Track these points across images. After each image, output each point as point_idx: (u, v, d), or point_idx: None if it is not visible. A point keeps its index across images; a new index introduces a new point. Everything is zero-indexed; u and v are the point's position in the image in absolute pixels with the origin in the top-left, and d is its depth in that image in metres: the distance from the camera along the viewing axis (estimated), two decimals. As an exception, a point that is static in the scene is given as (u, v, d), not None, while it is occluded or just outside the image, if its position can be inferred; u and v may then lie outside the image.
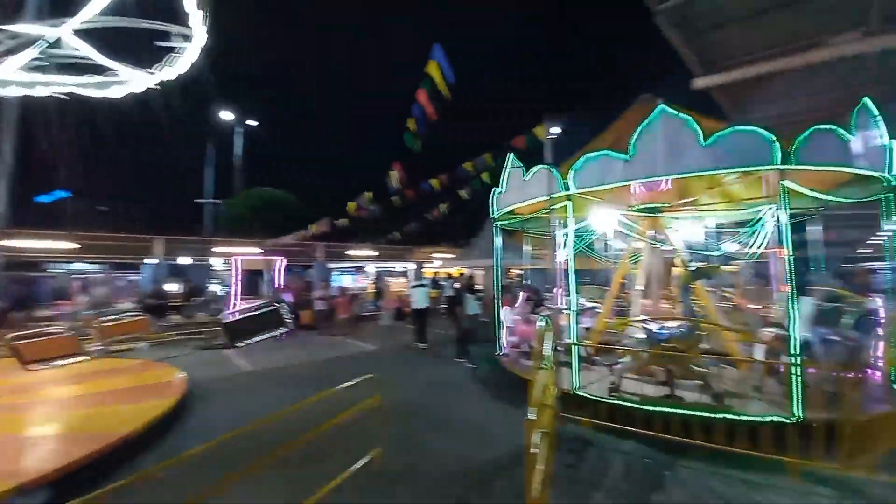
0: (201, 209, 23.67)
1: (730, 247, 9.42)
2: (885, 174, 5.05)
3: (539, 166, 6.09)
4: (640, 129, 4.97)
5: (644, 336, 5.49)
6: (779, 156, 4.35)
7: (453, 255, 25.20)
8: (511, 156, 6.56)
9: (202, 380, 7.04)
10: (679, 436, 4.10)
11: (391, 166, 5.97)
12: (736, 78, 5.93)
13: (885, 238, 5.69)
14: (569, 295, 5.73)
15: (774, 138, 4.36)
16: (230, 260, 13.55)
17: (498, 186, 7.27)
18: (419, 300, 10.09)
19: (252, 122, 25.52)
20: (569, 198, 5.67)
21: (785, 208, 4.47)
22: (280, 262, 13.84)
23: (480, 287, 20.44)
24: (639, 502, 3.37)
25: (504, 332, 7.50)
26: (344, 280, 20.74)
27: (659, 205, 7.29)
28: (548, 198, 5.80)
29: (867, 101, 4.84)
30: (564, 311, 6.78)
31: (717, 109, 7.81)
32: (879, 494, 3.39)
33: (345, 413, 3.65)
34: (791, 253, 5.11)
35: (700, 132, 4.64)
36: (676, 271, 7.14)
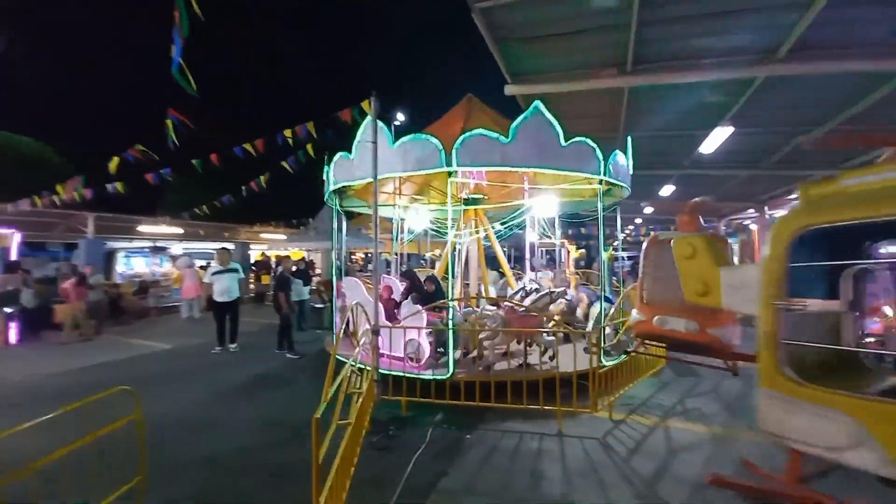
0: None
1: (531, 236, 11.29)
2: (626, 186, 6.73)
3: (411, 136, 5.57)
4: (519, 119, 5.33)
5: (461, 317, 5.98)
6: (601, 166, 5.33)
7: (285, 237, 22.94)
8: (365, 122, 5.88)
9: None
10: (484, 401, 4.59)
11: (166, 118, 4.55)
12: (533, 91, 6.83)
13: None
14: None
15: (601, 155, 5.47)
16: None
17: (328, 162, 6.72)
18: (225, 290, 7.84)
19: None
20: (451, 174, 5.50)
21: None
22: (12, 237, 9.93)
23: (318, 271, 19.28)
24: (439, 469, 3.58)
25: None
26: (136, 263, 16.45)
27: (480, 196, 8.04)
28: (429, 171, 5.60)
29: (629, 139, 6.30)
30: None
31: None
32: (613, 429, 4.48)
33: (94, 434, 2.71)
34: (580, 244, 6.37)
35: (562, 133, 5.34)
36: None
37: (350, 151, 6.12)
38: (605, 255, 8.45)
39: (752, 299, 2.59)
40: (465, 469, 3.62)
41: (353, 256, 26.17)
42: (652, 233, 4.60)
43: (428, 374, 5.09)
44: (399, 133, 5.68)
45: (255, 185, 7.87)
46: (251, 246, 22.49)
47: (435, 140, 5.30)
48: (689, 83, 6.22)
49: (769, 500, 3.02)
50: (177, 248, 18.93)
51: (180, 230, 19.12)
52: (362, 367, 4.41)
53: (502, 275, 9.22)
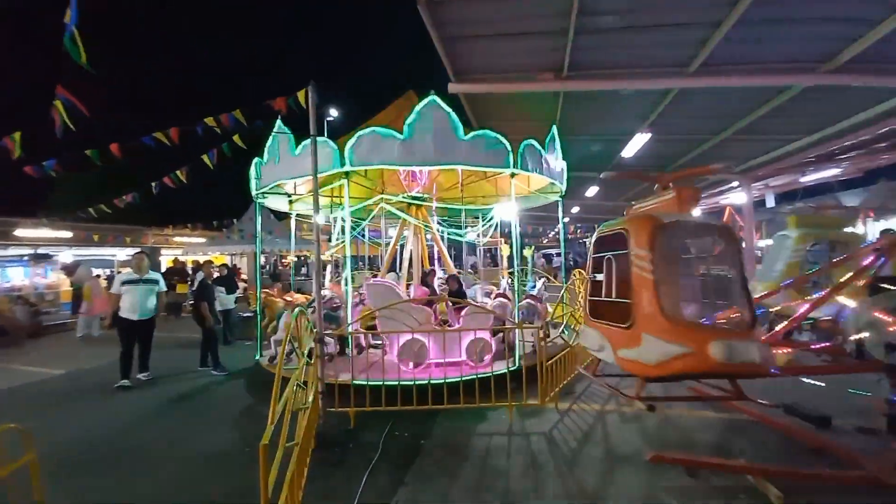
0: None
1: (471, 235, 11.47)
2: (561, 185, 7.03)
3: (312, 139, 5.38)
4: (413, 114, 5.11)
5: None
6: (511, 160, 5.31)
7: (204, 240, 20.81)
8: (279, 120, 5.51)
9: None
10: (435, 404, 4.47)
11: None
12: (476, 91, 6.89)
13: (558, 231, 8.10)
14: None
15: (509, 147, 5.29)
16: None
17: (261, 156, 6.15)
18: (137, 305, 6.17)
19: None
20: (346, 174, 5.30)
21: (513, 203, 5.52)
22: None
23: (244, 277, 17.70)
24: (395, 477, 3.41)
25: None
26: (13, 274, 13.76)
27: (424, 195, 7.93)
28: (326, 174, 5.28)
29: (555, 129, 6.47)
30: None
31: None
32: (560, 419, 4.62)
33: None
34: (515, 242, 6.45)
35: (461, 127, 5.16)
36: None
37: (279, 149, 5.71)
38: (527, 253, 8.87)
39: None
40: (422, 475, 3.47)
41: (283, 260, 24.53)
42: (641, 210, 3.92)
43: (494, 370, 5.11)
44: (333, 129, 5.44)
45: (171, 182, 6.89)
46: (162, 251, 20.03)
47: (331, 142, 5.24)
48: (616, 91, 6.72)
49: (705, 471, 3.29)
50: (65, 254, 16.22)
51: (68, 234, 16.42)
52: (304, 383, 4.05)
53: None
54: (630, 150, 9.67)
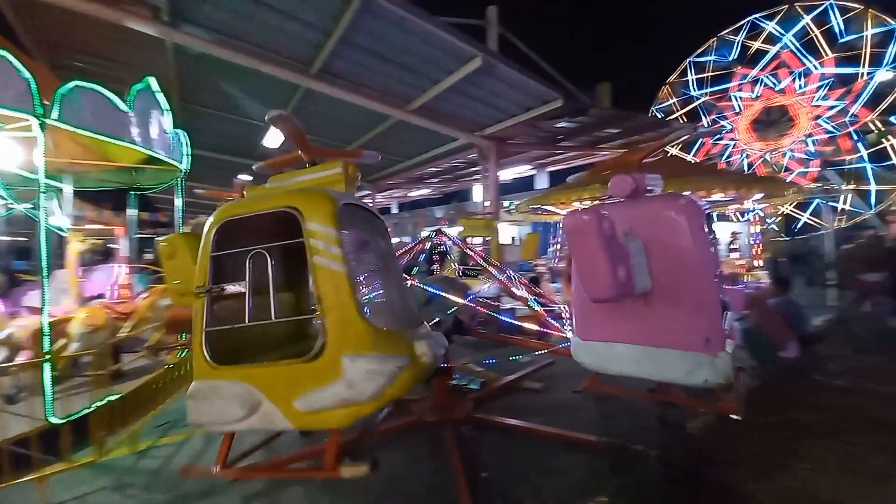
0: None
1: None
2: (180, 164, 5.56)
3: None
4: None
5: None
6: (38, 100, 3.46)
7: None
8: None
9: None
10: None
11: None
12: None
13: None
14: None
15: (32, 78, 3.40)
16: None
17: None
18: None
19: None
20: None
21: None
22: None
23: None
24: None
25: None
26: None
27: None
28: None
29: (150, 80, 4.83)
30: None
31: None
32: (135, 465, 3.36)
33: None
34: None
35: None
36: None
37: None
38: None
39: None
40: None
41: None
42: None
43: None
44: None
45: None
46: None
47: None
48: (246, 68, 6.09)
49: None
50: None
51: None
52: None
53: None
54: (272, 140, 9.36)
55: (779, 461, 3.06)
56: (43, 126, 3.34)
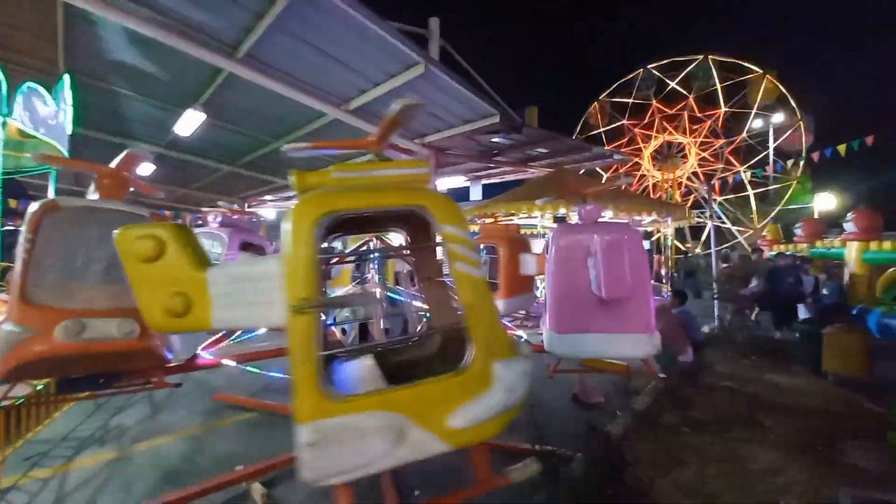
0: None
1: None
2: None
3: None
4: None
5: None
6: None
7: None
8: None
9: None
10: None
11: None
12: None
13: None
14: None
15: None
16: None
17: None
18: None
19: None
20: None
21: None
22: None
23: None
24: None
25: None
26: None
27: None
28: None
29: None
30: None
31: None
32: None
33: None
34: None
35: None
36: None
37: None
38: None
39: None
40: None
41: None
42: None
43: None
44: None
45: None
46: None
47: None
48: (148, 39, 5.31)
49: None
50: None
51: None
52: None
53: None
54: (185, 127, 8.37)
55: (678, 457, 3.41)
56: None
